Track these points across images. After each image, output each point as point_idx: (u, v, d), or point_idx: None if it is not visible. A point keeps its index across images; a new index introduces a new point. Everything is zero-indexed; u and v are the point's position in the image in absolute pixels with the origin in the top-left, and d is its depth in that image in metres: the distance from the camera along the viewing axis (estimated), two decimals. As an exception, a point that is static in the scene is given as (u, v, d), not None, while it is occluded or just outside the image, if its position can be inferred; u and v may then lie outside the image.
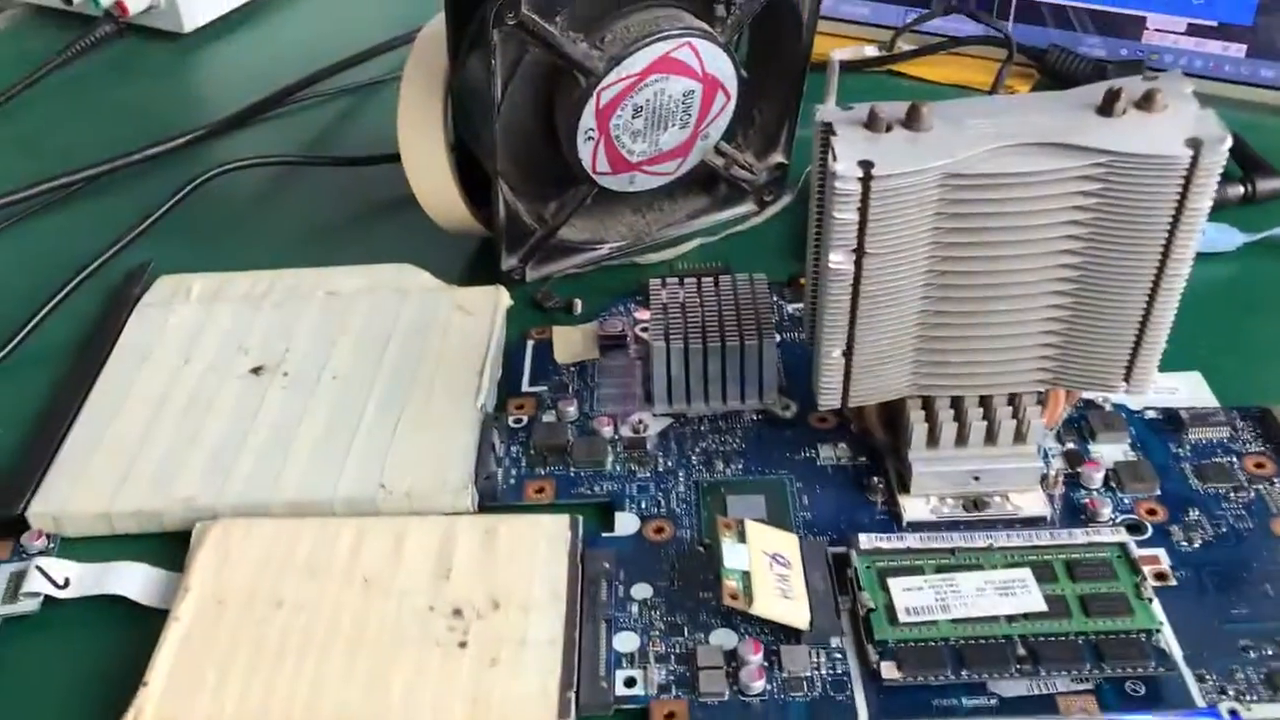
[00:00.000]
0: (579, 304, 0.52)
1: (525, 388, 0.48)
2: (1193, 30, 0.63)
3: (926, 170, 0.34)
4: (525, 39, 0.46)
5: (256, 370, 0.48)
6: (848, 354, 0.38)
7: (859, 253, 0.35)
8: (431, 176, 0.52)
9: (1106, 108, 0.35)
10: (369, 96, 0.70)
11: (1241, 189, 0.55)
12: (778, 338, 0.49)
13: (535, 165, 0.52)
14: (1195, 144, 0.33)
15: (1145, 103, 0.34)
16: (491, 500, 0.42)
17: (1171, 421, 0.44)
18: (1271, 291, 0.51)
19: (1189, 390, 0.46)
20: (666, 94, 0.50)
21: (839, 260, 0.35)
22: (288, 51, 0.74)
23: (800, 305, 0.51)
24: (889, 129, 0.35)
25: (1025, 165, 0.34)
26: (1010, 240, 0.35)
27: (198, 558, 0.40)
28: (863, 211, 0.34)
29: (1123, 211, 0.35)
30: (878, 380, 0.39)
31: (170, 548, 0.41)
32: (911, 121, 0.35)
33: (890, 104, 0.36)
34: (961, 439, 0.40)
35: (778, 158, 0.57)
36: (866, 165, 0.34)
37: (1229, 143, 0.33)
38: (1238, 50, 0.63)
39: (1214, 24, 0.63)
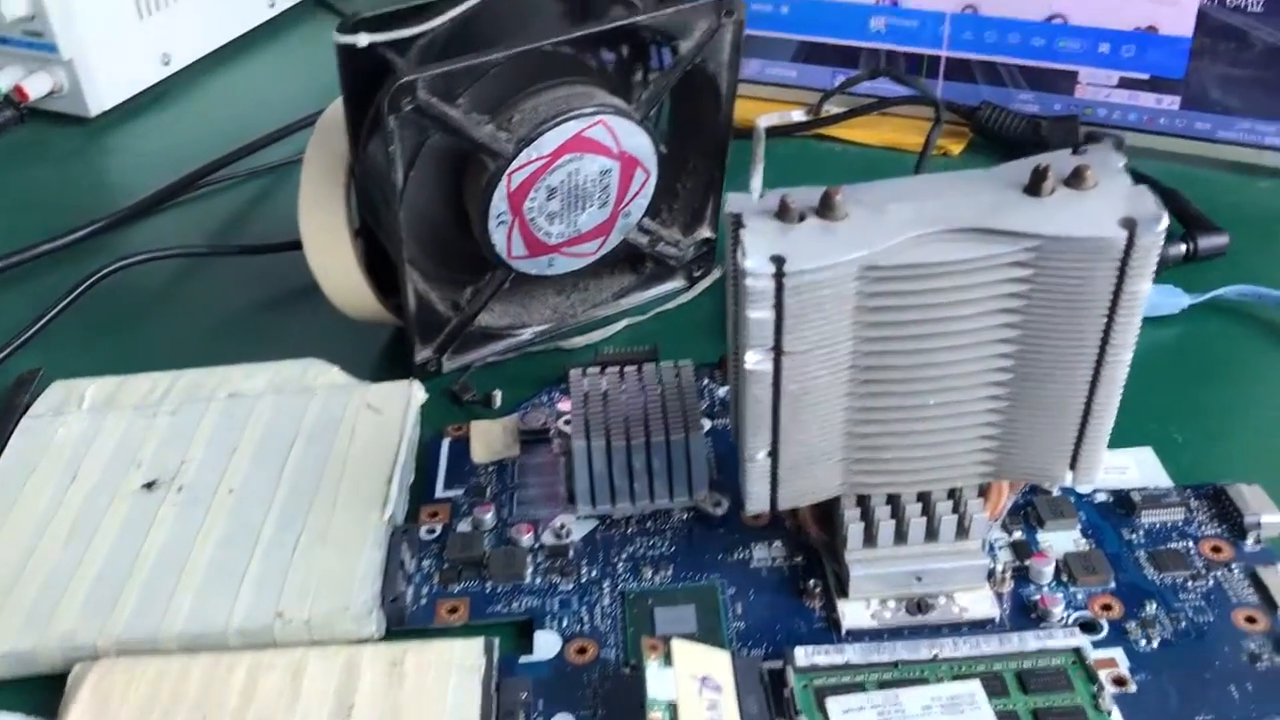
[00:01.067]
0: (498, 396, 0.49)
1: (440, 492, 0.44)
2: (1125, 84, 0.62)
3: (843, 263, 0.31)
4: (425, 124, 0.43)
5: (149, 485, 0.44)
6: (773, 455, 0.35)
7: (777, 352, 0.33)
8: (336, 266, 0.49)
9: (1034, 187, 0.32)
10: (283, 178, 0.67)
11: (1183, 247, 0.54)
12: (707, 425, 0.46)
13: (446, 250, 0.49)
14: (1130, 224, 0.31)
15: (1075, 180, 0.32)
16: (399, 624, 0.39)
17: (1123, 504, 0.41)
18: (1221, 355, 0.49)
19: (1140, 468, 0.43)
20: (582, 174, 0.47)
21: (756, 360, 0.33)
22: (198, 134, 0.71)
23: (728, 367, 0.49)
24: (802, 218, 0.32)
25: (950, 254, 0.31)
26: (939, 332, 0.33)
27: (74, 705, 0.36)
28: (778, 309, 0.32)
29: (1058, 297, 0.32)
30: (807, 481, 0.36)
31: (47, 693, 0.38)
32: (826, 209, 0.32)
33: (803, 190, 0.33)
34: (900, 536, 0.38)
35: (704, 232, 0.55)
36: (778, 260, 0.31)
37: (1165, 222, 0.31)
38: (1171, 103, 0.61)
39: (1146, 77, 0.61)
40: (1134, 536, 0.40)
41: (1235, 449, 0.45)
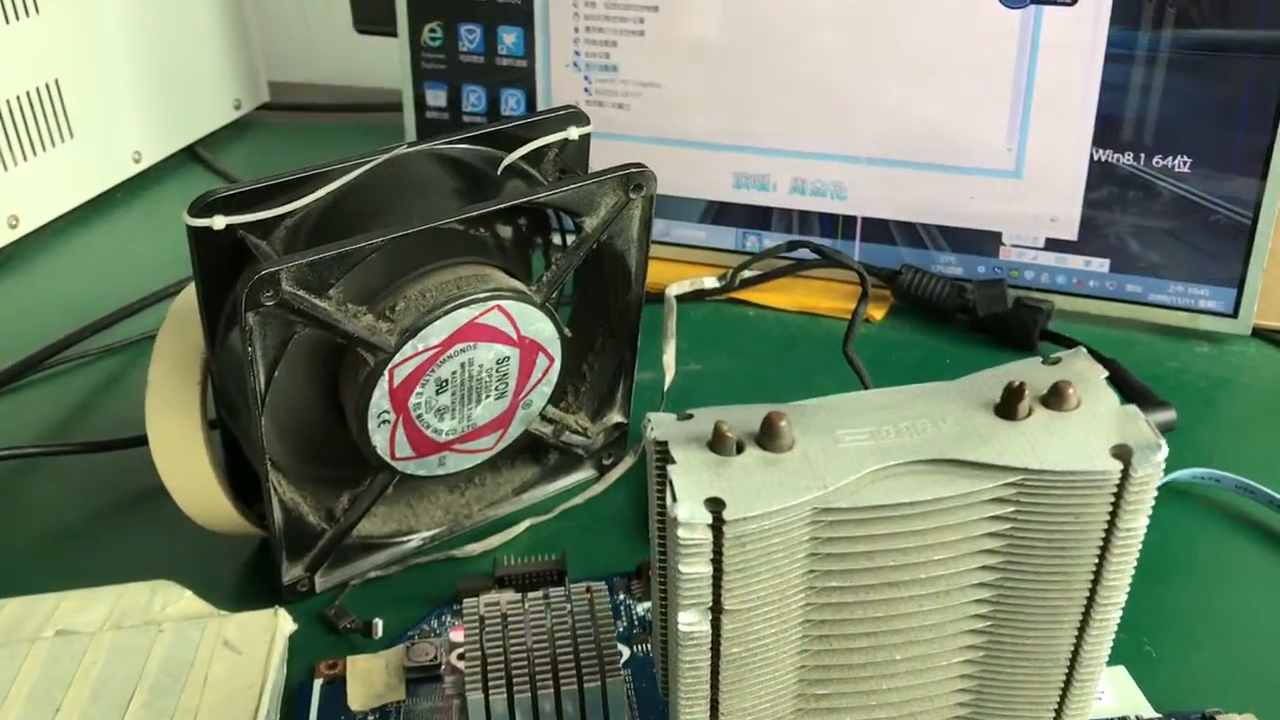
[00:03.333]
0: (379, 625, 0.42)
1: (309, 752, 0.37)
2: (1052, 245, 0.59)
3: (793, 507, 0.26)
4: (290, 319, 0.37)
5: (-52, 757, 0.36)
6: (711, 724, 0.29)
7: (716, 611, 0.27)
8: (189, 477, 0.42)
9: (1008, 408, 0.27)
10: (141, 354, 0.60)
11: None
12: (625, 653, 0.40)
13: (319, 449, 0.43)
14: (1124, 453, 0.26)
15: (1054, 399, 0.28)
16: None
17: (1104, 740, 0.36)
18: (1183, 549, 0.45)
19: (1116, 692, 0.38)
20: (476, 364, 0.42)
21: (691, 621, 0.27)
22: (47, 306, 0.64)
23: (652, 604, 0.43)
24: (740, 449, 0.27)
25: (918, 491, 0.26)
26: (906, 580, 0.28)
27: None
28: (716, 563, 0.26)
29: (1042, 537, 0.27)
30: (752, 750, 0.30)
31: None
32: (767, 438, 0.27)
33: (739, 411, 0.28)
34: (862, 805, 0.32)
35: (615, 417, 0.49)
36: (716, 506, 0.26)
37: (1165, 450, 0.26)
38: (1100, 265, 0.58)
39: (1074, 239, 0.58)
40: (1121, 782, 0.35)
41: (1215, 662, 0.40)
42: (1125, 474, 0.26)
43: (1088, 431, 0.27)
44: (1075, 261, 0.59)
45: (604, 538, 0.47)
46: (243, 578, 0.45)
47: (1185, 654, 0.40)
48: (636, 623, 0.42)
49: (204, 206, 0.38)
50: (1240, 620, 0.42)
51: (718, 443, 0.27)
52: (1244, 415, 0.53)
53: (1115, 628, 0.29)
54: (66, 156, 0.72)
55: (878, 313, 0.60)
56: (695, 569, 0.26)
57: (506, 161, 0.43)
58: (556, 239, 0.46)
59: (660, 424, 0.28)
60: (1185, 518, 0.46)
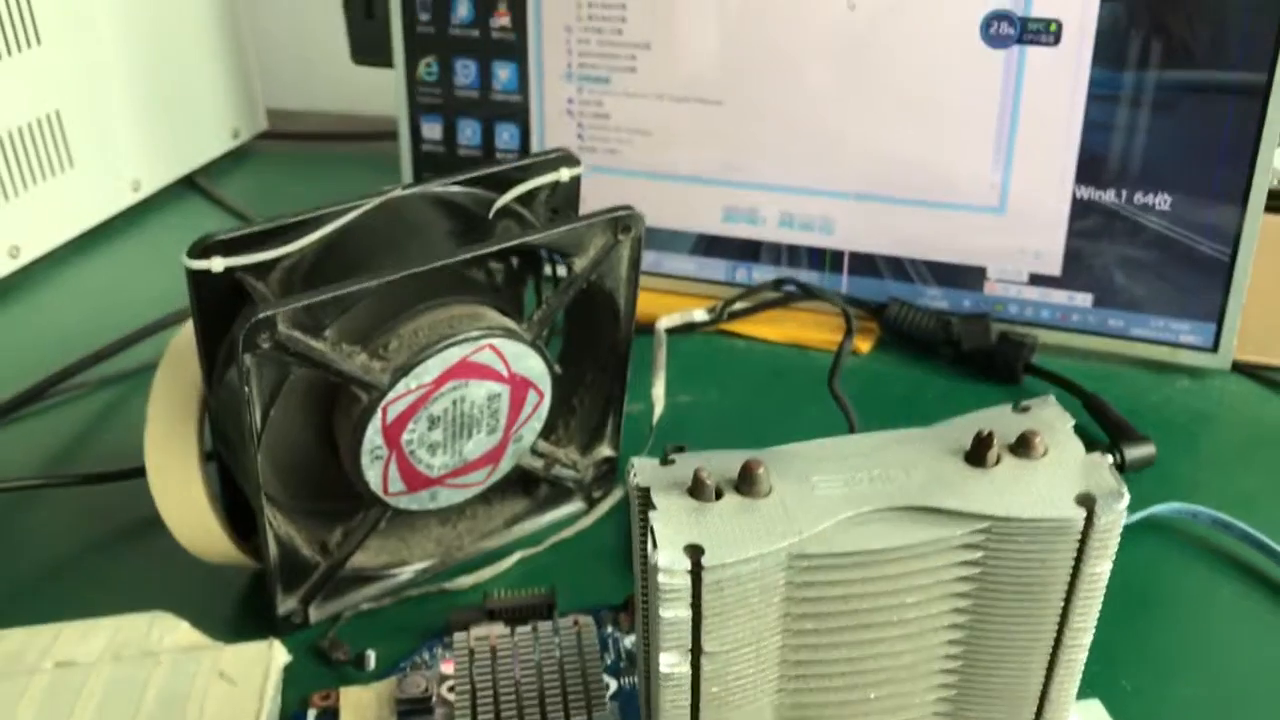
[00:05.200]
0: (372, 657, 0.43)
1: (302, 782, 0.38)
2: (1036, 280, 0.60)
3: (769, 554, 0.27)
4: (286, 360, 0.38)
5: (-52, 789, 0.37)
6: (692, 761, 0.30)
7: (695, 653, 0.28)
8: (186, 510, 0.43)
9: (978, 456, 0.28)
10: (140, 384, 0.61)
11: (1109, 459, 0.51)
12: (612, 685, 0.41)
13: (313, 483, 0.44)
14: (1088, 500, 0.27)
15: (1022, 448, 0.29)
16: None
17: (1079, 774, 0.37)
18: (1161, 584, 0.46)
19: (1091, 726, 0.39)
20: (468, 400, 0.43)
21: (672, 663, 0.28)
22: (47, 336, 0.65)
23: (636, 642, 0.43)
24: (719, 495, 0.28)
25: (890, 538, 0.27)
26: (880, 622, 0.29)
27: None
28: (695, 606, 0.27)
29: (1010, 581, 0.28)
30: (732, 786, 0.31)
31: None
32: (745, 485, 0.28)
33: (718, 457, 0.29)
34: (839, 840, 0.33)
35: (605, 451, 0.50)
36: (695, 552, 0.27)
37: (1126, 499, 0.28)
38: (1084, 300, 0.59)
39: (1057, 274, 0.59)
40: (1095, 815, 0.36)
41: (1189, 696, 0.41)
42: (1089, 521, 0.27)
43: (1053, 480, 0.28)
44: (1059, 296, 0.60)
45: (593, 570, 0.47)
46: (238, 608, 0.46)
47: (1160, 688, 0.41)
48: (624, 655, 0.43)
49: (203, 249, 0.39)
50: (1215, 654, 0.43)
51: (697, 489, 0.28)
52: (1223, 450, 0.54)
53: (1082, 666, 0.30)
54: (67, 186, 0.73)
55: (865, 345, 0.62)
56: (675, 613, 0.27)
57: (498, 205, 0.44)
58: (548, 270, 0.47)
59: (643, 470, 0.29)
60: (1163, 552, 0.47)
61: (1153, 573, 0.46)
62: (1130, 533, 0.47)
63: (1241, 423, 0.56)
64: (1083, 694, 0.39)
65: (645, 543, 0.27)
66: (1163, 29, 0.54)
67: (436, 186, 0.45)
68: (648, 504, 0.28)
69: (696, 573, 0.27)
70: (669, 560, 0.26)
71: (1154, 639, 0.43)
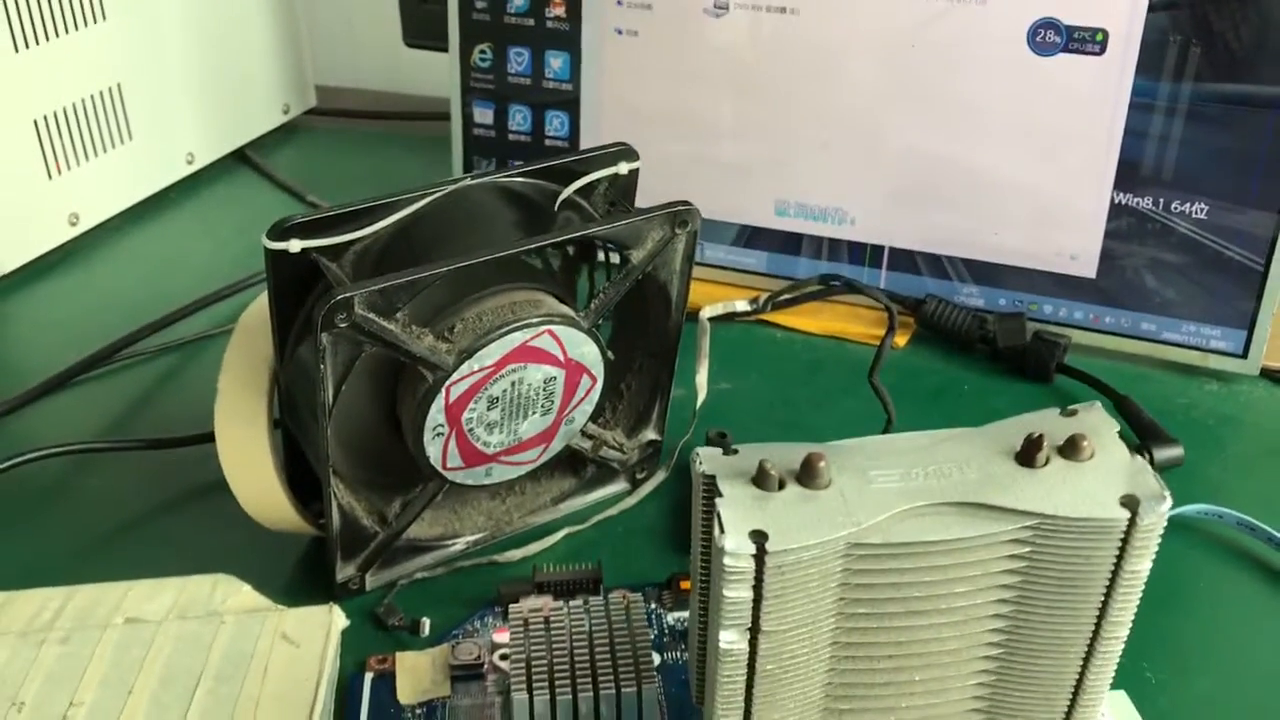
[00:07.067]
0: (426, 624, 0.45)
1: (362, 741, 0.40)
2: (1071, 282, 0.61)
3: (829, 542, 0.29)
4: (360, 339, 0.40)
5: (30, 734, 0.39)
6: (744, 734, 0.32)
7: (754, 631, 0.30)
8: (254, 481, 0.45)
9: (1027, 456, 0.30)
10: (198, 353, 0.63)
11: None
12: (656, 659, 0.43)
13: (375, 458, 0.46)
14: (1132, 502, 0.29)
15: (1070, 450, 0.30)
16: None
17: (1104, 761, 0.39)
18: (1185, 581, 0.48)
19: (1117, 716, 0.41)
20: (525, 383, 0.44)
21: (731, 640, 0.30)
22: (107, 301, 0.67)
23: (682, 615, 0.45)
24: (781, 485, 0.30)
25: (943, 531, 0.29)
26: (928, 609, 0.30)
27: None
28: (757, 588, 0.29)
29: (1054, 575, 0.30)
30: (779, 758, 0.33)
31: None
32: (807, 477, 0.30)
33: (781, 450, 0.31)
34: (877, 813, 0.35)
35: (650, 434, 0.52)
36: (760, 538, 0.28)
37: (1169, 502, 0.29)
38: (1118, 302, 0.61)
39: (1093, 276, 0.61)
40: (1119, 801, 0.38)
41: (1212, 690, 0.42)
42: (1132, 521, 0.29)
43: (1099, 481, 0.30)
44: (1093, 298, 0.61)
45: (636, 548, 0.49)
46: (296, 574, 0.48)
47: (1183, 681, 0.43)
48: (667, 631, 0.45)
49: (281, 231, 0.41)
50: (1236, 650, 0.44)
51: (762, 479, 0.30)
52: (1249, 453, 0.55)
53: (1118, 658, 0.32)
54: (125, 157, 0.75)
55: (901, 340, 0.63)
56: (738, 594, 0.29)
57: (562, 196, 0.46)
58: (601, 258, 0.49)
59: (708, 458, 0.31)
60: (1189, 551, 0.49)
61: (1179, 571, 0.48)
62: (1158, 532, 0.49)
63: (1268, 428, 0.57)
64: (1110, 686, 0.41)
65: (709, 527, 0.29)
66: (1208, 41, 0.56)
67: (502, 177, 0.46)
68: (714, 491, 0.30)
69: (760, 557, 0.28)
70: (735, 544, 0.28)
71: (1178, 634, 0.45)
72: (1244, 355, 0.59)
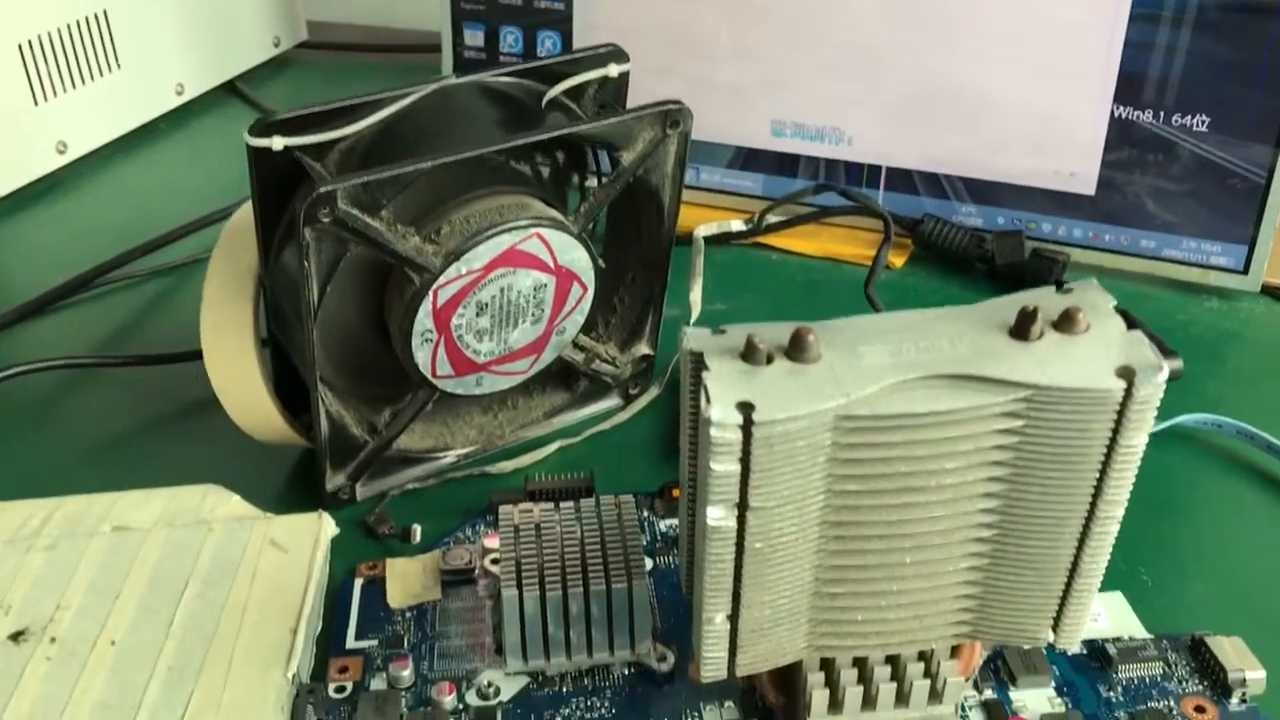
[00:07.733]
0: (418, 531, 0.44)
1: (351, 643, 0.40)
2: (1070, 199, 0.60)
3: (818, 412, 0.28)
4: (344, 236, 0.39)
5: (16, 636, 0.39)
6: (733, 618, 0.32)
7: (742, 507, 0.29)
8: (241, 388, 0.44)
9: (1022, 330, 0.29)
10: (187, 277, 0.62)
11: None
12: (649, 564, 0.42)
13: (363, 366, 0.45)
14: (1128, 373, 0.28)
15: (1065, 323, 0.30)
16: (303, 806, 0.34)
17: (1098, 657, 0.38)
18: (1183, 487, 0.47)
19: (1111, 615, 0.40)
20: (514, 289, 0.44)
21: (719, 516, 0.29)
22: (95, 228, 0.66)
23: (674, 521, 0.45)
24: (770, 360, 0.29)
25: (933, 403, 0.28)
26: (920, 486, 0.30)
27: None
28: (744, 462, 0.28)
29: (1048, 450, 0.29)
30: (769, 644, 0.33)
31: None
32: (796, 351, 0.29)
33: (770, 328, 0.30)
34: (868, 702, 0.34)
35: (643, 349, 0.51)
36: (746, 409, 0.28)
37: (1165, 372, 0.28)
38: (1117, 218, 0.60)
39: (1092, 194, 0.60)
40: (1112, 694, 0.37)
41: (1207, 592, 0.42)
42: (1128, 393, 0.28)
43: (1094, 353, 0.29)
44: (1092, 215, 0.60)
45: (629, 461, 0.49)
46: (287, 485, 0.48)
47: (1179, 583, 0.42)
48: (659, 538, 0.44)
49: (264, 128, 0.40)
50: (1232, 554, 0.44)
51: (749, 353, 0.29)
52: (1249, 368, 0.55)
53: (1113, 540, 0.31)
54: (113, 86, 0.74)
55: (898, 260, 0.62)
56: (725, 467, 0.28)
57: (550, 95, 0.45)
58: (592, 165, 0.48)
59: (695, 337, 0.30)
60: (1187, 459, 0.48)
61: (1177, 478, 0.47)
62: (1156, 441, 0.49)
63: (1268, 342, 0.57)
64: (1105, 587, 0.41)
65: (697, 403, 0.29)
66: (1210, -53, 0.54)
67: (489, 76, 0.45)
68: (701, 366, 0.29)
69: (747, 428, 0.28)
70: (721, 415, 0.28)
71: (1175, 539, 0.45)
72: (1245, 271, 0.59)
